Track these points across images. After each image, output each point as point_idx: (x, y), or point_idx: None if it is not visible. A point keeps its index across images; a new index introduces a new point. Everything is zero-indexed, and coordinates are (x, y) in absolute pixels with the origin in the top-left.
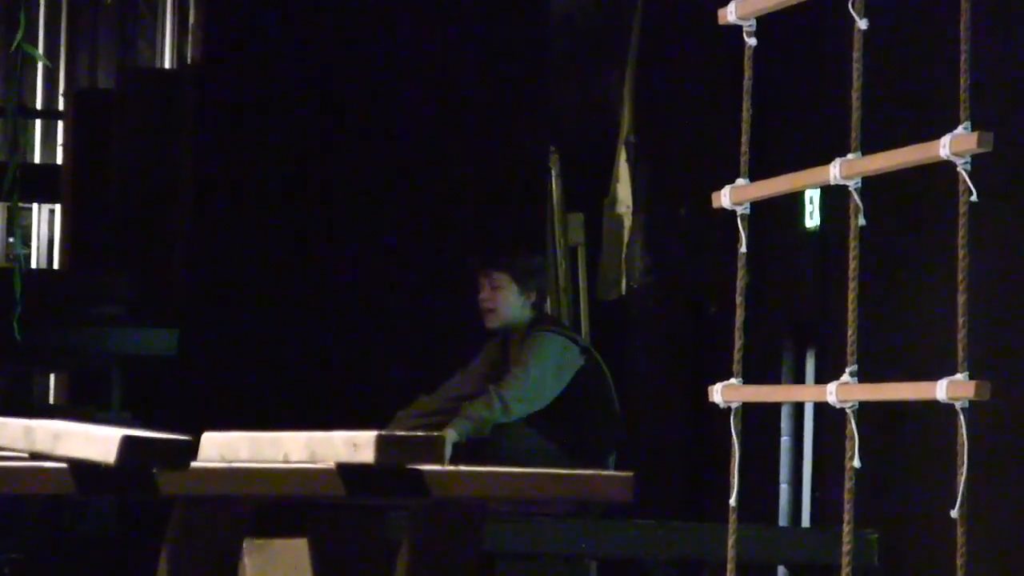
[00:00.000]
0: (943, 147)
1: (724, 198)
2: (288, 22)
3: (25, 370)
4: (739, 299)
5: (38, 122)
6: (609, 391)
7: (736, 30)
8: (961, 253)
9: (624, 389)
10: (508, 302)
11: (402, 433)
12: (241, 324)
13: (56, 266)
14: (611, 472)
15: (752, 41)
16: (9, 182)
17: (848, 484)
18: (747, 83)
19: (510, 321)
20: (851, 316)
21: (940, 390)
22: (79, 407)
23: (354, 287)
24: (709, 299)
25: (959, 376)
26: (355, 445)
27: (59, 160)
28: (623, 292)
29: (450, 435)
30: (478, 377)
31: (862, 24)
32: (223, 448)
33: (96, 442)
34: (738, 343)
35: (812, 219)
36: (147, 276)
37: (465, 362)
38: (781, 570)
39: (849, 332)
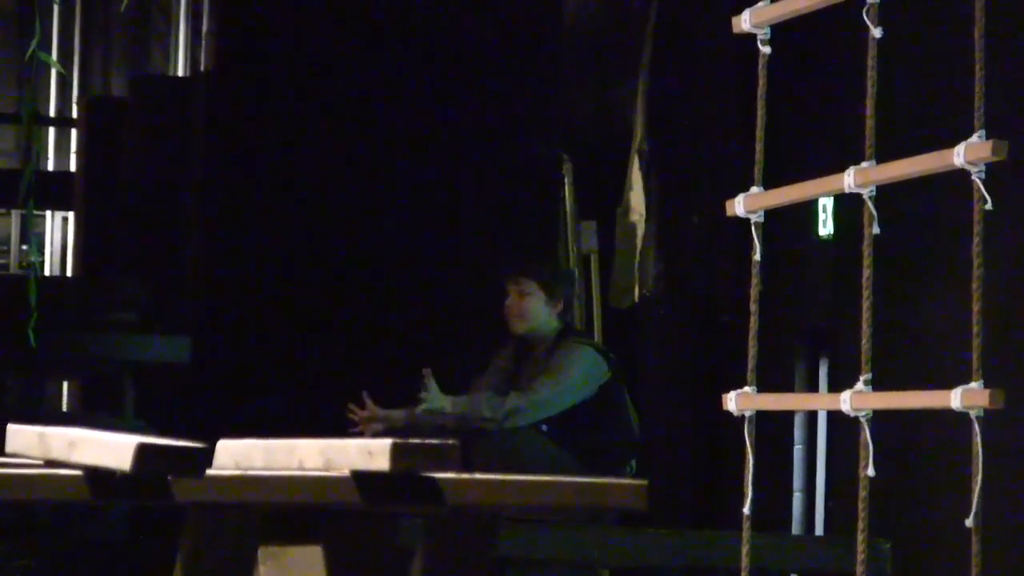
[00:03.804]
0: (957, 155)
1: (738, 206)
2: (300, 30)
3: (39, 377)
4: (753, 307)
5: (51, 129)
6: (626, 401)
7: (750, 38)
8: (976, 262)
9: (637, 396)
10: (535, 309)
11: (416, 441)
12: (254, 331)
13: (69, 273)
14: (625, 480)
15: (766, 49)
16: (23, 189)
17: (862, 493)
18: (761, 91)
19: (534, 328)
20: (865, 324)
21: (954, 398)
22: (92, 414)
23: (367, 294)
24: (722, 307)
25: (973, 384)
26: (370, 453)
27: (72, 167)
28: (636, 300)
29: (447, 400)
30: (488, 388)
31: (876, 33)
32: (238, 456)
33: (111, 449)
34: (752, 351)
35: (826, 227)
36: (160, 283)
37: (478, 365)
38: None
39: (863, 340)
